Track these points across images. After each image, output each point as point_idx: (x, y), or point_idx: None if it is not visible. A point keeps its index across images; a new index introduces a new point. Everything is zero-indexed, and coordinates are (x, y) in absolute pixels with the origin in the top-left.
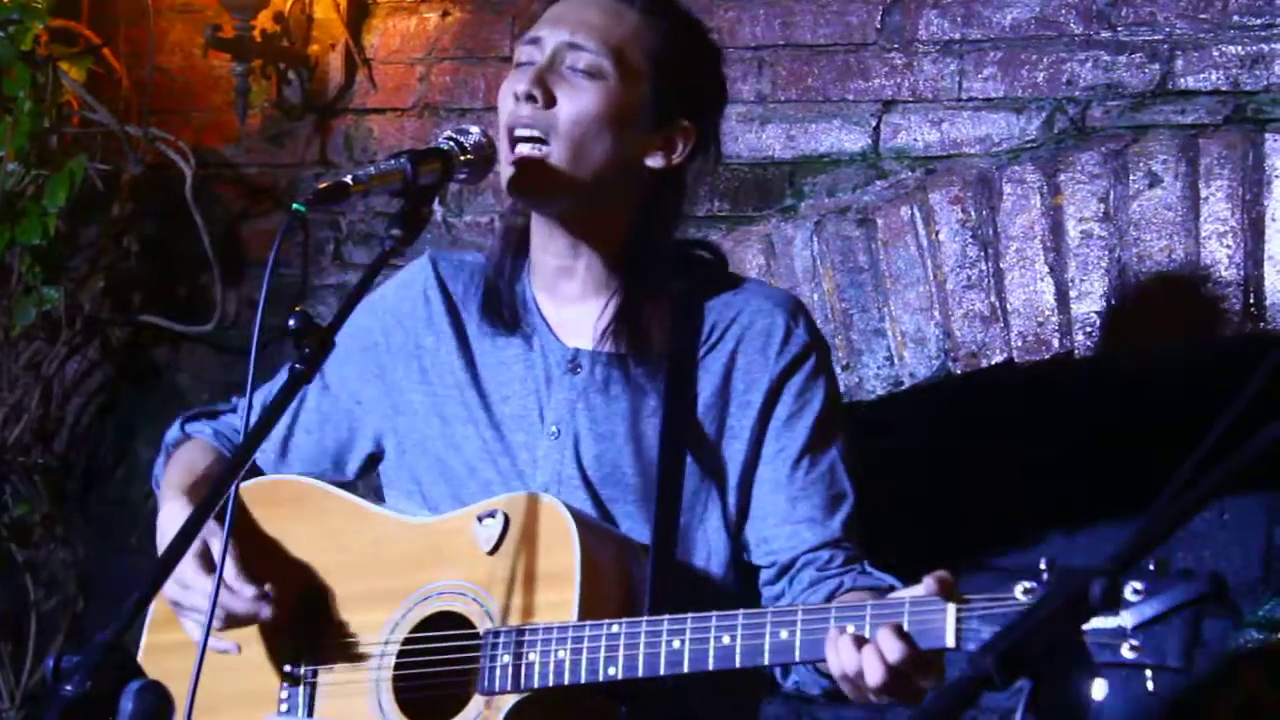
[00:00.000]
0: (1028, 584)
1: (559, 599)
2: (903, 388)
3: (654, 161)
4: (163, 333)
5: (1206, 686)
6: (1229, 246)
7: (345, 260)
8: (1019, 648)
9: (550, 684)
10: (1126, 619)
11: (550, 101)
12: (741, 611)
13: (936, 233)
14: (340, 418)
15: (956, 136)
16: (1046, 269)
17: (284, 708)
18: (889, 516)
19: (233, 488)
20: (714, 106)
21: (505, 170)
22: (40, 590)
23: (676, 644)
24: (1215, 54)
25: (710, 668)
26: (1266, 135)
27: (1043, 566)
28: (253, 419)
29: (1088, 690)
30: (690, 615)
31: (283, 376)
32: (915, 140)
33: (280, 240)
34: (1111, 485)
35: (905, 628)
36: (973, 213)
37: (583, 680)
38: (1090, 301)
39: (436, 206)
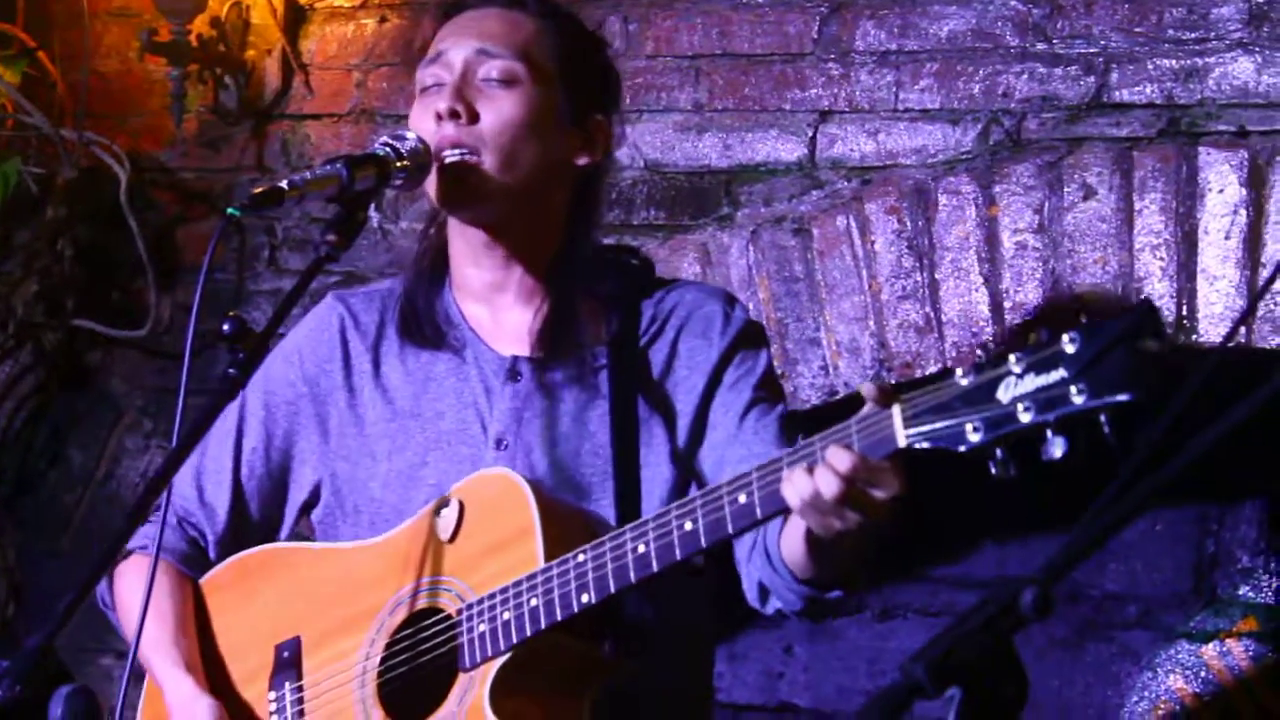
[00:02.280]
0: (963, 369)
1: (524, 553)
2: (837, 397)
3: (581, 160)
4: (96, 337)
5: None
6: (1162, 259)
7: (280, 266)
8: (950, 656)
9: (528, 634)
10: (1066, 369)
11: (473, 116)
12: (698, 493)
13: (872, 243)
14: (277, 473)
15: (892, 147)
16: (981, 280)
17: None
18: None
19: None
20: (616, 100)
21: (434, 184)
22: None
23: (642, 548)
24: (1150, 67)
25: (679, 557)
26: (1200, 149)
27: (980, 356)
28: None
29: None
30: (650, 516)
31: (230, 423)
32: (851, 150)
33: (215, 245)
34: (1043, 496)
35: (855, 447)
36: (908, 223)
37: (559, 618)
38: (1024, 312)
39: (372, 212)
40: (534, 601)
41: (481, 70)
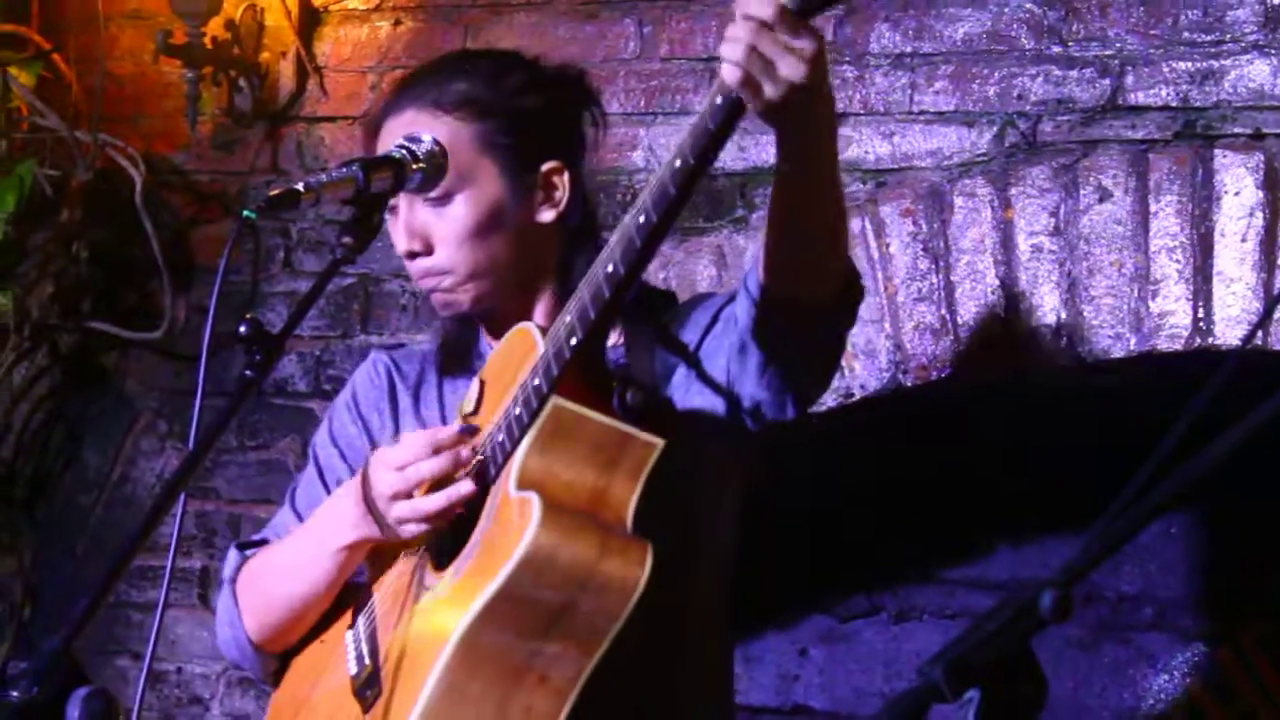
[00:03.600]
0: None
1: (529, 364)
2: (854, 399)
3: (545, 217)
4: (111, 339)
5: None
6: (1178, 261)
7: (295, 268)
8: (968, 658)
9: (537, 409)
10: None
11: (429, 247)
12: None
13: (887, 245)
14: None
15: (907, 149)
16: (997, 282)
17: (351, 661)
18: (838, 526)
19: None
20: (569, 128)
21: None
22: None
23: (611, 266)
24: (1166, 70)
25: (639, 245)
26: (1216, 151)
27: None
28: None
29: None
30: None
31: (310, 470)
32: (866, 153)
33: (231, 247)
34: (1059, 499)
35: None
36: (923, 225)
37: (556, 373)
38: (1040, 315)
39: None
40: (536, 381)
41: (418, 195)
